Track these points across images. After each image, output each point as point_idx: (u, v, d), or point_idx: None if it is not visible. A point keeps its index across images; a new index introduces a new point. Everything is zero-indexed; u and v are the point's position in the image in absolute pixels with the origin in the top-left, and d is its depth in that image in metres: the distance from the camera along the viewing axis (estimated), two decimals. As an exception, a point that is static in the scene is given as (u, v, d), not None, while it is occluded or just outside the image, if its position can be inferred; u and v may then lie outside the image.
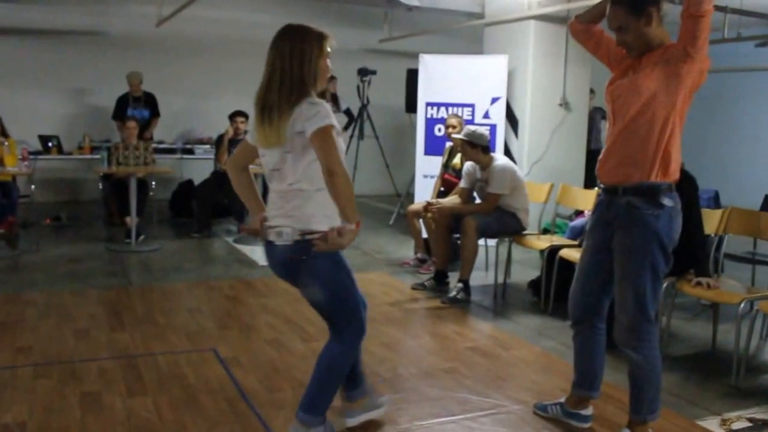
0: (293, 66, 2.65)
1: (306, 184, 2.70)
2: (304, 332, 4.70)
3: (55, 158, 8.72)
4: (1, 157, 7.17)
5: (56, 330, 4.67)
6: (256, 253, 7.09)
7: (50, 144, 8.66)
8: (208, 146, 9.43)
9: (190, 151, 9.62)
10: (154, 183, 8.12)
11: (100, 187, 8.20)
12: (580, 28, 3.18)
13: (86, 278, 6.10)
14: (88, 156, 8.68)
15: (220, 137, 8.13)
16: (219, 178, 8.06)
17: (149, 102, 8.95)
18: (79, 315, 5.01)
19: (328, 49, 2.74)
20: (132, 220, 7.29)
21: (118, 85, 8.89)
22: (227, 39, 10.29)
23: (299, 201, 2.72)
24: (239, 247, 7.47)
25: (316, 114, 2.59)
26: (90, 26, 9.92)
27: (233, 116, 8.03)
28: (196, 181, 8.87)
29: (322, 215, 2.71)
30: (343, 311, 2.89)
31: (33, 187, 7.69)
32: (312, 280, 2.79)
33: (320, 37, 2.71)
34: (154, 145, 8.58)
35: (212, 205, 8.19)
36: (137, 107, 8.81)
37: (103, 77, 9.53)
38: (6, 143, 7.17)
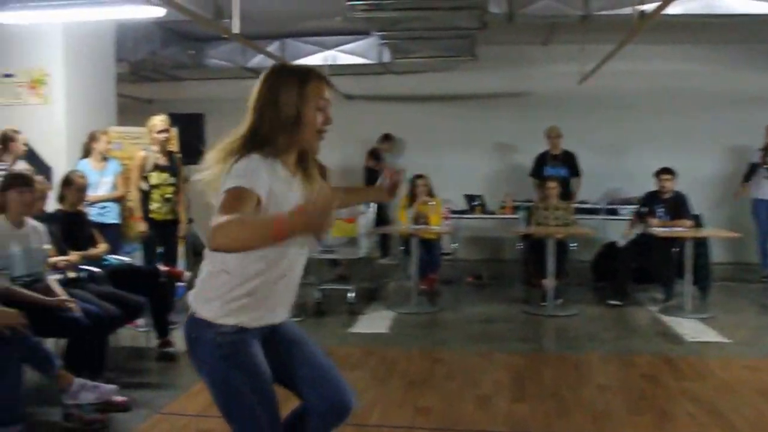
0: (264, 112, 2.12)
1: (209, 255, 2.17)
2: (733, 428, 3.81)
3: (478, 217, 8.90)
4: (426, 215, 7.51)
5: (458, 393, 4.52)
6: (684, 326, 6.23)
7: (475, 203, 8.89)
8: (633, 206, 8.78)
9: (614, 212, 9.09)
10: (575, 244, 7.74)
11: (519, 246, 8.10)
12: None
13: (497, 340, 5.94)
14: (509, 216, 8.69)
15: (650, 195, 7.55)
16: (645, 241, 7.38)
17: (568, 161, 8.68)
18: (484, 380, 4.82)
19: (321, 96, 2.17)
20: (549, 283, 6.99)
21: (539, 144, 8.82)
22: (652, 92, 9.64)
23: (203, 271, 2.22)
24: (664, 318, 6.65)
25: (232, 171, 2.03)
26: (514, 88, 10.14)
27: (659, 173, 7.34)
28: (622, 244, 8.27)
29: (207, 299, 2.17)
30: (231, 414, 2.20)
31: (455, 245, 7.90)
32: (198, 369, 2.24)
33: (301, 80, 2.14)
34: (576, 205, 8.26)
35: (636, 271, 7.52)
36: (555, 165, 8.60)
37: (525, 136, 9.58)
38: (432, 203, 7.49)
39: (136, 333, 5.67)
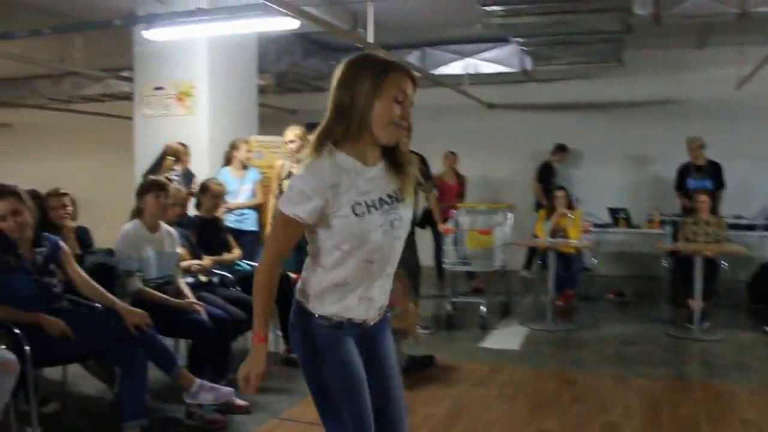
0: (340, 102, 2.08)
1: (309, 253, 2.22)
2: None
3: (622, 231, 8.41)
4: (565, 228, 7.21)
5: (585, 418, 4.26)
6: None
7: (619, 216, 8.43)
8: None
9: (775, 228, 8.34)
10: (725, 263, 7.17)
11: (664, 264, 7.59)
12: None
13: (634, 363, 5.56)
14: (655, 230, 8.16)
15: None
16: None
17: (713, 172, 8.03)
18: (614, 405, 4.51)
19: (401, 89, 2.07)
20: (696, 304, 6.49)
21: (685, 154, 8.26)
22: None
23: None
24: (829, 347, 6.00)
25: (287, 189, 2.14)
26: (664, 95, 9.59)
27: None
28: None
29: (306, 294, 2.22)
30: (320, 409, 2.22)
31: (595, 260, 7.53)
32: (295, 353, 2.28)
33: (380, 71, 2.06)
34: (730, 221, 7.65)
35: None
36: (699, 177, 7.97)
37: (675, 146, 8.91)
38: (571, 215, 7.18)
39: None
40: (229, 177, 6.76)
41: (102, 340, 3.70)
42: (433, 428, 4.08)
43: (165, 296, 4.28)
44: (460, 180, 9.11)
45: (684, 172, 8.14)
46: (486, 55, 9.25)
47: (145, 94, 7.13)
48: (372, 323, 2.26)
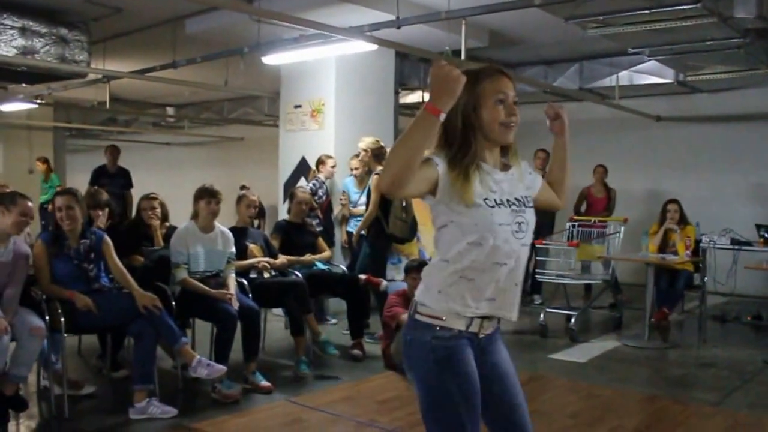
0: (449, 119, 2.06)
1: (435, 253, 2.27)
2: None
3: (762, 250, 7.48)
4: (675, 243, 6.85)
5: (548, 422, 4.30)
6: None
7: (762, 234, 7.53)
8: None
9: None
10: None
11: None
12: None
13: (680, 386, 5.35)
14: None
15: None
16: None
17: None
18: (610, 417, 4.46)
19: (499, 90, 2.14)
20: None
21: None
22: None
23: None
24: None
25: None
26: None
27: None
28: None
29: (428, 286, 2.22)
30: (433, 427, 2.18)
31: (708, 279, 6.96)
32: (408, 370, 2.27)
33: (474, 80, 2.11)
34: None
35: None
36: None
37: None
38: (676, 229, 6.81)
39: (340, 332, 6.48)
40: (351, 187, 7.48)
41: (120, 316, 4.53)
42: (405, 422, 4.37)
43: (202, 286, 4.99)
44: (609, 193, 8.92)
45: None
46: (640, 67, 8.88)
47: (288, 112, 8.10)
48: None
